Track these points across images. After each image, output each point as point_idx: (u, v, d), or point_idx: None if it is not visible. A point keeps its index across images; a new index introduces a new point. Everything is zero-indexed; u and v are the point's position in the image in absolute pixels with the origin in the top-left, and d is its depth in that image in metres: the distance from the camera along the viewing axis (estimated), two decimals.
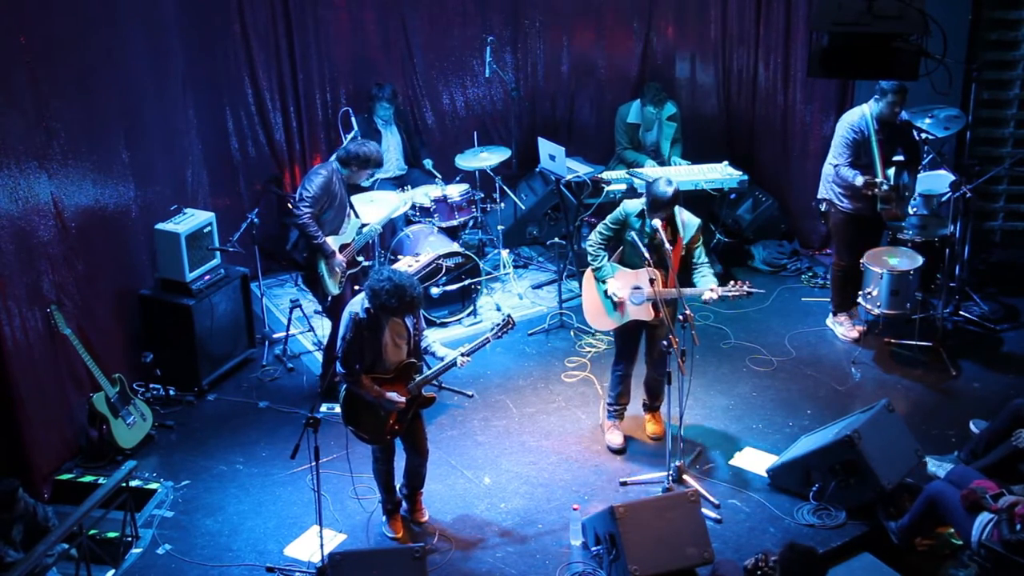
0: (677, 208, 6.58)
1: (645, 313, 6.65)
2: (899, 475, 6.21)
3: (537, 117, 10.04)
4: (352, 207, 7.56)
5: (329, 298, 7.41)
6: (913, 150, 7.75)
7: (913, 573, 5.85)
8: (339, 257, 7.31)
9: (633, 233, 6.58)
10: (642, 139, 9.20)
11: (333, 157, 7.41)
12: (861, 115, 7.61)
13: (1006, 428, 6.33)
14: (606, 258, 6.75)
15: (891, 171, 7.53)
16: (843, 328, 8.17)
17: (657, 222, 6.47)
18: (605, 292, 6.74)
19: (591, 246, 6.75)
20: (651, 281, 6.47)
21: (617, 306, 6.75)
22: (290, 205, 8.74)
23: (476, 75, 9.73)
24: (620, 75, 9.92)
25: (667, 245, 6.44)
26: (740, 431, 7.15)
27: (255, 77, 8.95)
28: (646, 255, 6.47)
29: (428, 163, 9.15)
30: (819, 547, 5.82)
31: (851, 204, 7.75)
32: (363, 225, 7.60)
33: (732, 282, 6.62)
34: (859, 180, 7.51)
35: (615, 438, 7.02)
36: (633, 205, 6.66)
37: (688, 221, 6.64)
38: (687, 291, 6.54)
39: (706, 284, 6.58)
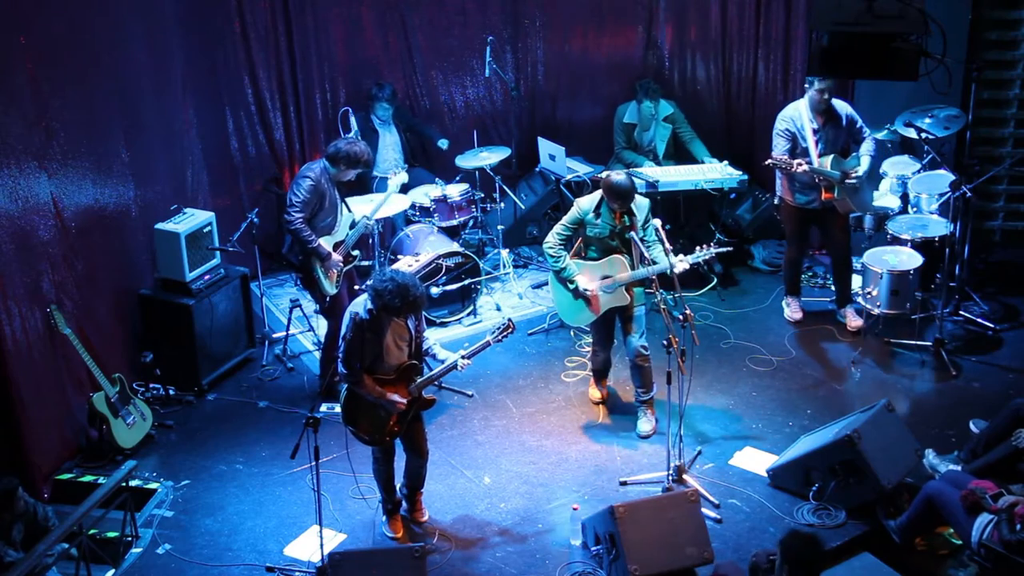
0: None
1: (620, 299, 6.88)
2: (899, 475, 6.20)
3: (537, 117, 10.04)
4: (345, 203, 7.55)
5: (328, 298, 7.41)
6: (857, 143, 7.95)
7: (913, 573, 5.85)
8: (335, 258, 7.30)
9: (596, 229, 6.84)
10: (639, 139, 9.19)
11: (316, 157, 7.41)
12: (795, 107, 7.88)
13: (1006, 428, 6.32)
14: (566, 257, 6.95)
15: (827, 159, 7.70)
16: (789, 310, 8.43)
17: (657, 223, 6.63)
18: (575, 291, 6.93)
19: (551, 248, 6.96)
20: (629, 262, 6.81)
21: (590, 301, 6.90)
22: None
23: (476, 75, 9.73)
24: (620, 75, 9.90)
25: (636, 235, 6.72)
26: (740, 431, 7.15)
27: (255, 77, 8.95)
28: (613, 244, 6.79)
29: (444, 143, 9.15)
30: None
31: (798, 197, 7.96)
32: (355, 221, 7.57)
33: (698, 247, 6.89)
34: (769, 161, 7.80)
35: (595, 392, 7.43)
36: (587, 203, 6.88)
37: (639, 203, 6.85)
38: (656, 268, 6.73)
39: (666, 259, 6.75)
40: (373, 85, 9.05)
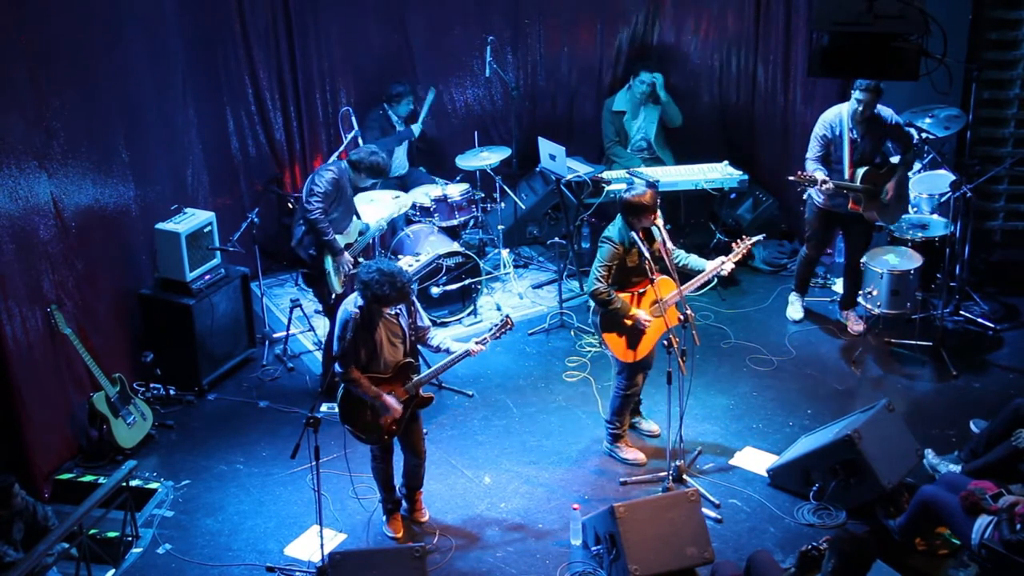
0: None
1: (673, 319, 6.46)
2: (899, 475, 6.21)
3: (537, 117, 10.03)
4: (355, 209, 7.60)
5: (332, 296, 7.42)
6: (905, 147, 7.79)
7: (913, 573, 5.85)
8: (347, 255, 7.35)
9: (642, 249, 6.34)
10: (628, 128, 9.19)
11: (339, 157, 7.43)
12: (837, 112, 7.73)
13: (1006, 428, 6.32)
14: (616, 294, 6.44)
15: (860, 172, 7.61)
16: (791, 308, 8.42)
17: (660, 234, 6.42)
18: (633, 325, 6.47)
19: (600, 293, 6.36)
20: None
21: (644, 332, 6.53)
22: (290, 205, 8.75)
23: (476, 75, 9.73)
24: (620, 75, 9.91)
25: (667, 240, 6.47)
26: (740, 431, 7.15)
27: (255, 77, 8.95)
28: (651, 266, 6.31)
29: (421, 169, 9.17)
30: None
31: (823, 200, 7.89)
32: (364, 227, 7.63)
33: (734, 244, 6.69)
34: (793, 177, 7.68)
35: (637, 454, 6.87)
36: (615, 231, 6.43)
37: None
38: (701, 278, 6.57)
39: (700, 261, 6.58)
40: (393, 83, 9.02)
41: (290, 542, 6.32)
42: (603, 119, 9.34)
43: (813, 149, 7.77)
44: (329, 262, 7.30)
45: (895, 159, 7.84)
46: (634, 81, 9.09)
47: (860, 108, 7.52)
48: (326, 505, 6.41)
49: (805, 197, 8.16)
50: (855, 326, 8.15)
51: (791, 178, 7.74)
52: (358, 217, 7.64)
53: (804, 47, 9.09)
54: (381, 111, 9.00)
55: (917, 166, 8.45)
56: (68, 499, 6.52)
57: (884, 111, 7.71)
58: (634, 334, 6.55)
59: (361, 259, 7.56)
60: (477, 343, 6.12)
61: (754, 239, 6.80)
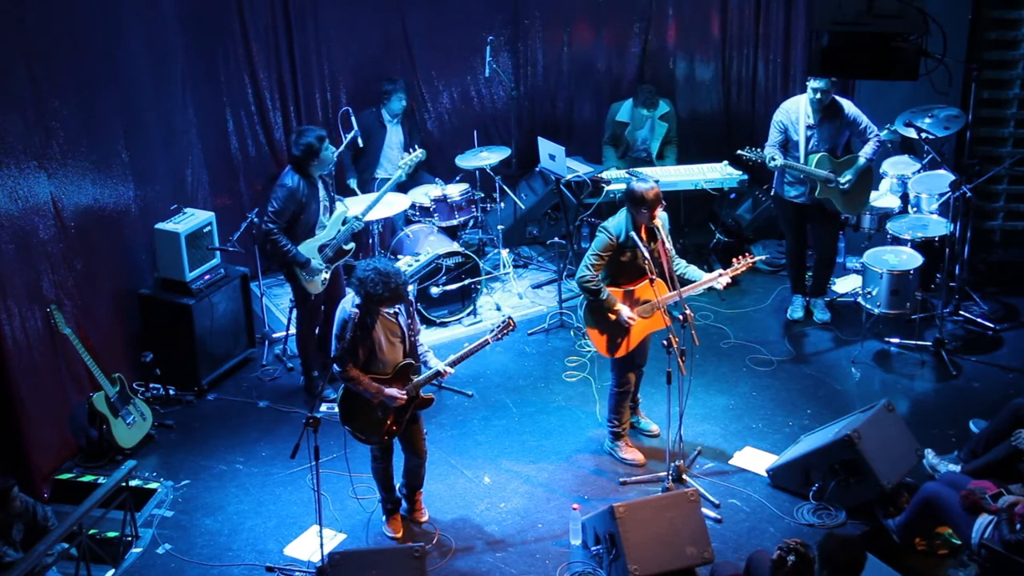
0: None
1: (658, 323, 6.49)
2: (899, 475, 6.21)
3: (537, 117, 10.04)
4: (339, 199, 7.52)
5: (313, 297, 7.41)
6: (864, 140, 7.89)
7: (913, 573, 5.85)
8: (314, 263, 7.25)
9: (640, 247, 6.33)
10: (630, 138, 9.19)
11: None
12: (795, 101, 7.91)
13: (1006, 428, 6.32)
14: (604, 286, 6.47)
15: (815, 157, 7.75)
16: (791, 308, 8.44)
17: (660, 228, 6.39)
18: (616, 321, 6.48)
19: (588, 280, 6.39)
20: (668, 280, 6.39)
21: (628, 330, 6.56)
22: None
23: (476, 75, 9.73)
24: (620, 75, 9.93)
25: (668, 244, 6.43)
26: (740, 430, 7.15)
27: (255, 77, 8.94)
28: (649, 265, 6.29)
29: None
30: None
31: (787, 190, 8.04)
32: (346, 217, 7.52)
33: (735, 259, 6.64)
34: (740, 151, 7.91)
35: (636, 454, 6.88)
36: (613, 225, 6.42)
37: (661, 215, 6.46)
38: (697, 286, 6.54)
39: (698, 273, 6.56)
40: (385, 81, 9.01)
41: (290, 542, 6.32)
42: (605, 121, 9.35)
43: (772, 136, 7.91)
44: (299, 271, 7.26)
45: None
46: (636, 110, 9.06)
47: (817, 96, 7.66)
48: (326, 505, 6.41)
49: (772, 193, 8.28)
50: (822, 315, 8.27)
51: (739, 152, 7.91)
52: (344, 206, 7.52)
53: (804, 47, 9.10)
54: (374, 109, 8.98)
55: (916, 166, 8.46)
56: (68, 499, 6.52)
57: (845, 103, 7.84)
58: (617, 331, 6.56)
59: (350, 246, 7.49)
60: (450, 365, 6.05)
61: (756, 258, 6.69)
